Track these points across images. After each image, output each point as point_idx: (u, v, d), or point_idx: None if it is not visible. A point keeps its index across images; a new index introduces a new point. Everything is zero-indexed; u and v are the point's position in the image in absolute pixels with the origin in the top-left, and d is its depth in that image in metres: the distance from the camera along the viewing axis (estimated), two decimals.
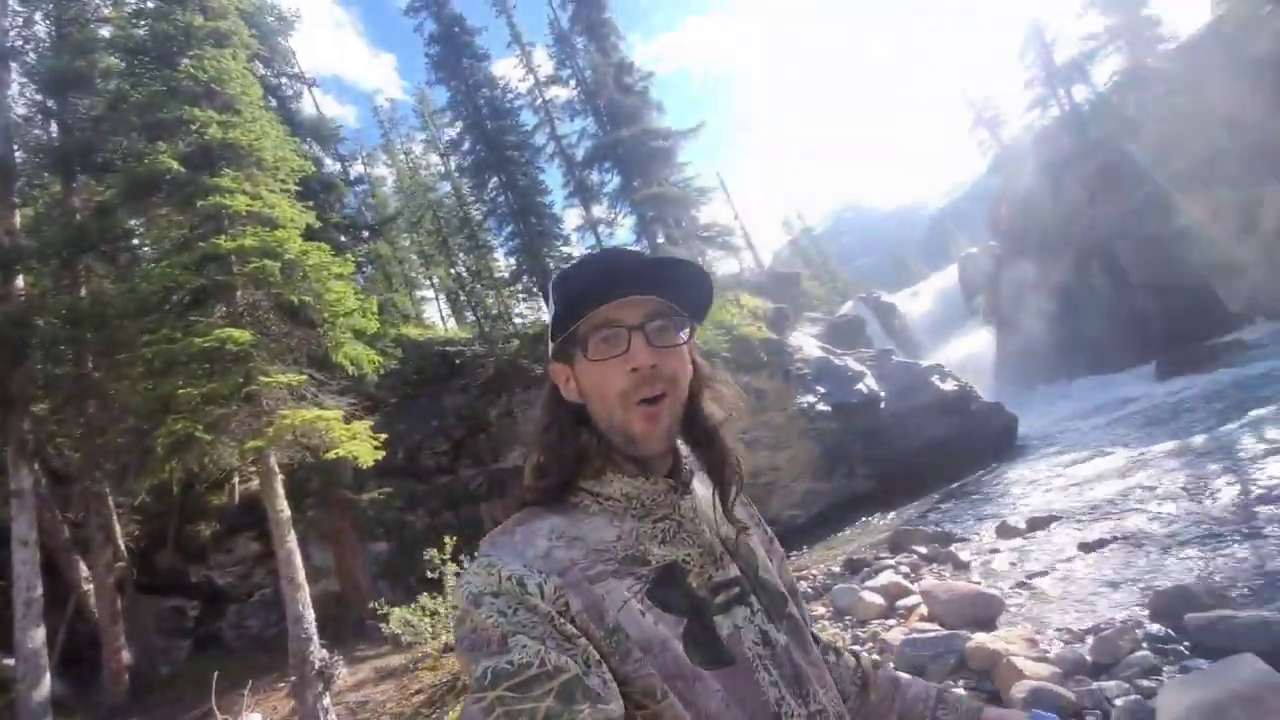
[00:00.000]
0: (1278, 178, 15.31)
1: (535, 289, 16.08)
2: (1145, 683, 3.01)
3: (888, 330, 25.81)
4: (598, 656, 0.62)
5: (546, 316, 0.90)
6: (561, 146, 16.92)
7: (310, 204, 7.61)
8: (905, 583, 5.79)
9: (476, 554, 0.71)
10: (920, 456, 13.44)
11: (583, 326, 0.74)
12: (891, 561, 6.88)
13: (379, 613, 6.69)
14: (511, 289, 17.17)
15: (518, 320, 17.67)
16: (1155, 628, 3.43)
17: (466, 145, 16.78)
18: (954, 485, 11.74)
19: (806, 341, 17.26)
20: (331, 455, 6.50)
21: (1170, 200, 17.37)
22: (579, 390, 0.77)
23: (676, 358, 0.75)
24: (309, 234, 7.25)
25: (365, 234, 14.33)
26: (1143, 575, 4.30)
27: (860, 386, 14.68)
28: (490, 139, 15.72)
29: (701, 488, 0.83)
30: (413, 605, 6.57)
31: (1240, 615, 3.08)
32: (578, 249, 16.57)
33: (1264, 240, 15.64)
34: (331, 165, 16.90)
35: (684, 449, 0.84)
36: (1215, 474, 6.03)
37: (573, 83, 16.53)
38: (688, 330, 0.77)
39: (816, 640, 0.85)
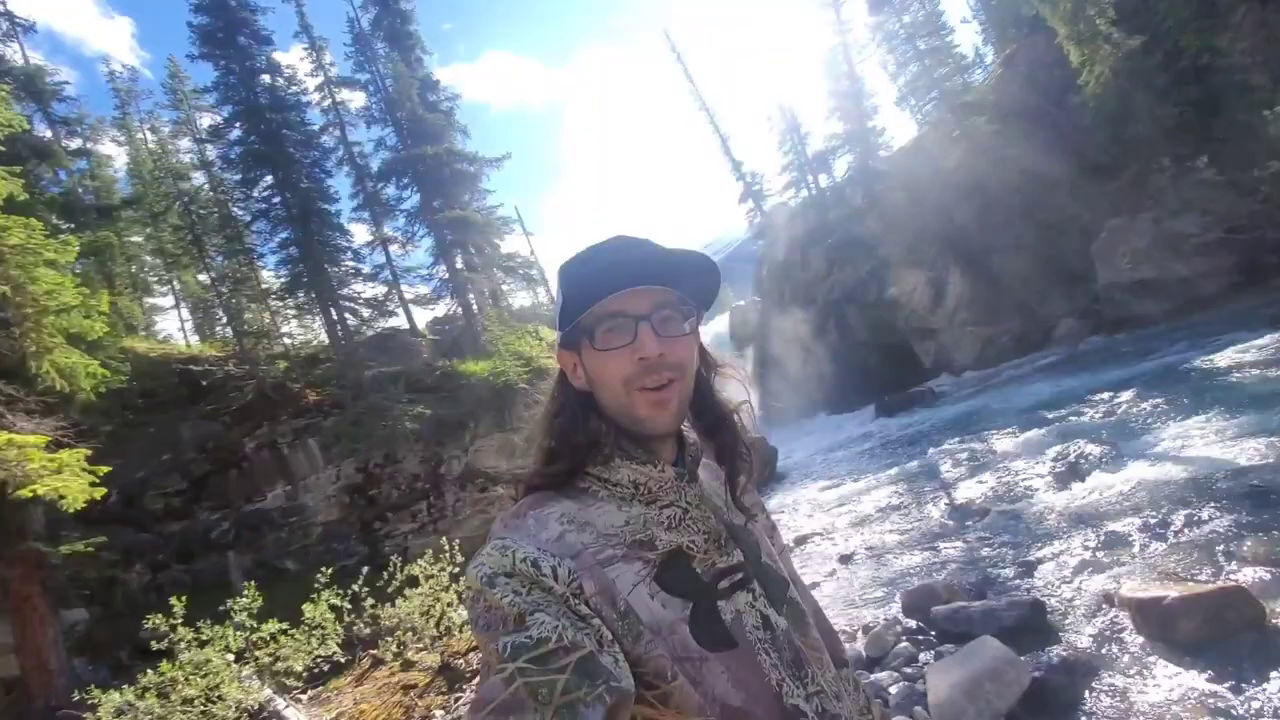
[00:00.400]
0: (957, 264, 20.08)
1: (314, 305, 14.30)
2: (909, 670, 3.59)
3: None
4: (610, 637, 0.64)
5: (553, 306, 0.87)
6: (353, 154, 15.52)
7: (16, 170, 5.94)
8: None
9: (490, 536, 0.72)
10: None
11: (590, 315, 0.75)
12: None
13: (84, 699, 5.11)
14: (283, 302, 15.02)
15: (286, 340, 15.52)
16: (910, 622, 4.13)
17: (236, 134, 14.45)
18: None
19: None
20: (24, 494, 5.00)
21: (887, 274, 21.64)
22: (586, 377, 0.79)
23: (683, 346, 0.77)
24: (9, 206, 5.66)
25: (85, 219, 11.52)
26: (893, 579, 5.16)
27: None
28: (268, 131, 13.74)
29: (707, 475, 0.85)
30: (137, 685, 5.13)
31: (972, 605, 3.86)
32: (367, 265, 15.21)
33: (947, 311, 20.26)
34: (43, 131, 13.42)
35: (691, 437, 0.86)
36: (930, 492, 7.54)
37: (371, 89, 15.38)
38: (694, 320, 0.79)
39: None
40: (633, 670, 0.63)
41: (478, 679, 0.69)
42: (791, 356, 24.87)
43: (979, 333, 19.73)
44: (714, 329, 30.88)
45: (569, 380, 0.82)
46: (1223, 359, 8.30)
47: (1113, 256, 16.23)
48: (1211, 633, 2.85)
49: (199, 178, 16.51)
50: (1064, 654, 3.15)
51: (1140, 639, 3.08)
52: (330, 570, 6.18)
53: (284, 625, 5.71)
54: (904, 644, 3.84)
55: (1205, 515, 4.04)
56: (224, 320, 15.99)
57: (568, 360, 0.81)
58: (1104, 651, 3.12)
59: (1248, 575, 3.21)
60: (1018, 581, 4.25)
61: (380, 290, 15.46)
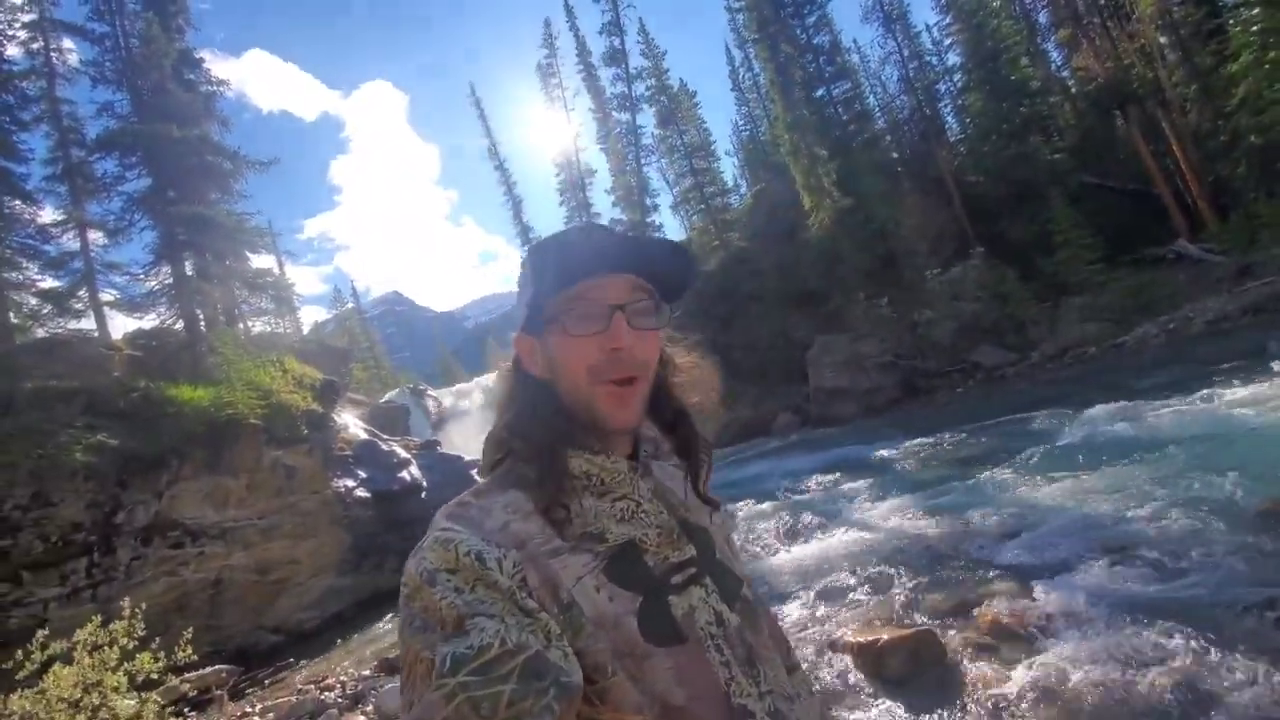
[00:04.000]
0: (708, 353, 22.69)
1: None
2: None
3: (431, 423, 26.22)
4: (558, 631, 0.61)
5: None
6: (59, 111, 12.29)
7: None
8: None
9: (430, 528, 0.68)
10: None
11: (562, 299, 0.73)
12: None
13: None
14: None
15: None
16: None
17: None
18: None
19: (353, 421, 16.08)
20: None
21: None
22: (547, 365, 0.77)
23: (652, 340, 0.76)
24: None
25: None
26: None
27: (404, 474, 14.32)
28: None
29: (660, 471, 0.84)
30: None
31: None
32: (53, 249, 11.80)
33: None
34: None
35: (648, 432, 0.86)
36: None
37: (109, 44, 12.51)
38: (665, 313, 0.78)
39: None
40: None
41: (400, 686, 0.58)
42: None
43: (718, 417, 22.35)
44: (480, 386, 30.15)
45: (523, 367, 0.80)
46: (893, 453, 10.56)
47: (819, 365, 19.90)
48: (912, 669, 3.49)
49: None
50: None
51: (860, 676, 3.64)
52: None
53: None
54: None
55: (898, 573, 5.00)
56: None
57: (525, 345, 0.79)
58: (830, 688, 3.61)
59: (931, 621, 4.02)
60: None
61: (65, 284, 12.09)
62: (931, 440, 10.57)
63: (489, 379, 30.62)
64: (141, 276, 12.83)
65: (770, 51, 22.02)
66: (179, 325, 12.73)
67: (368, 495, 13.07)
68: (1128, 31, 25.31)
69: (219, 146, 12.99)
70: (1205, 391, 7.74)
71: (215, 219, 12.55)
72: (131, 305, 12.95)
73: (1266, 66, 16.74)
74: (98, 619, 4.54)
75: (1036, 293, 19.08)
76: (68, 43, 12.47)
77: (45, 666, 4.36)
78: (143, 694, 4.49)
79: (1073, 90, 28.03)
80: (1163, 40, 22.87)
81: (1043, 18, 31.83)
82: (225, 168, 13.09)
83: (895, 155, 28.44)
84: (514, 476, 0.73)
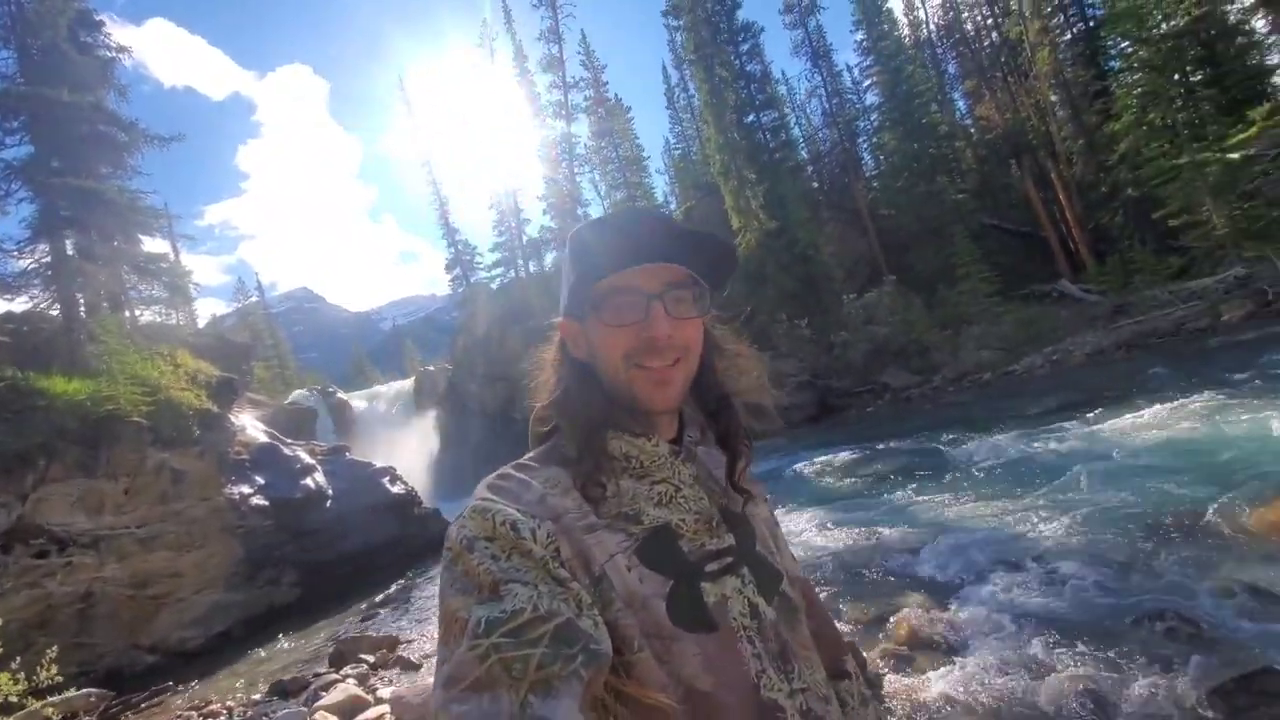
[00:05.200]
0: None
1: None
2: None
3: (340, 426, 24.81)
4: (589, 601, 0.63)
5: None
6: None
7: None
8: (364, 695, 5.34)
9: (473, 497, 0.70)
10: (359, 560, 12.94)
11: (603, 287, 0.74)
12: (338, 676, 6.24)
13: None
14: None
15: None
16: None
17: None
18: (391, 589, 11.64)
19: (252, 423, 14.95)
20: None
21: None
22: (587, 348, 0.79)
23: (693, 328, 0.77)
24: None
25: None
26: None
27: (308, 481, 13.41)
28: None
29: (707, 455, 0.84)
30: None
31: None
32: None
33: None
34: None
35: (698, 416, 0.87)
36: None
37: None
38: (706, 301, 0.79)
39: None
40: None
41: (438, 643, 0.59)
42: (477, 428, 24.54)
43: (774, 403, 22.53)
44: (396, 390, 28.88)
45: (568, 349, 0.82)
46: (810, 469, 10.94)
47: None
48: None
49: None
50: None
51: None
52: None
53: None
54: None
55: (817, 583, 5.14)
56: None
57: (570, 329, 0.81)
58: None
59: (852, 632, 4.15)
60: None
61: None
62: (845, 457, 11.04)
63: (406, 384, 29.35)
64: (15, 254, 11.33)
65: (706, 74, 22.64)
66: (55, 310, 11.40)
67: (266, 503, 12.14)
68: (1025, 87, 27.86)
69: (114, 116, 11.78)
70: (1090, 416, 8.52)
71: (105, 194, 11.35)
72: (1, 285, 11.42)
73: (1145, 127, 18.87)
74: None
75: (940, 320, 20.49)
76: None
77: None
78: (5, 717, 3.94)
79: (975, 137, 30.51)
80: (1054, 98, 25.34)
81: (952, 68, 34.56)
82: (120, 139, 11.88)
83: (816, 185, 29.90)
84: (557, 454, 0.76)
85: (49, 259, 11.10)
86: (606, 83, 29.07)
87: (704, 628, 0.67)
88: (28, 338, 10.37)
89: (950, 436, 9.99)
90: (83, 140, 11.28)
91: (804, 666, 0.73)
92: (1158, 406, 7.97)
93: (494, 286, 29.62)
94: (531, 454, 0.78)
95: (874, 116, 29.41)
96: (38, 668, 4.08)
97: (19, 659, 4.05)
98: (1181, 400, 7.98)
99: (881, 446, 10.99)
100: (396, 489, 15.03)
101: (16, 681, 3.94)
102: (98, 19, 12.01)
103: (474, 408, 25.26)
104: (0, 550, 7.79)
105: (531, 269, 28.49)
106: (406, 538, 14.13)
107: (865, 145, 31.46)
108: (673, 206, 36.13)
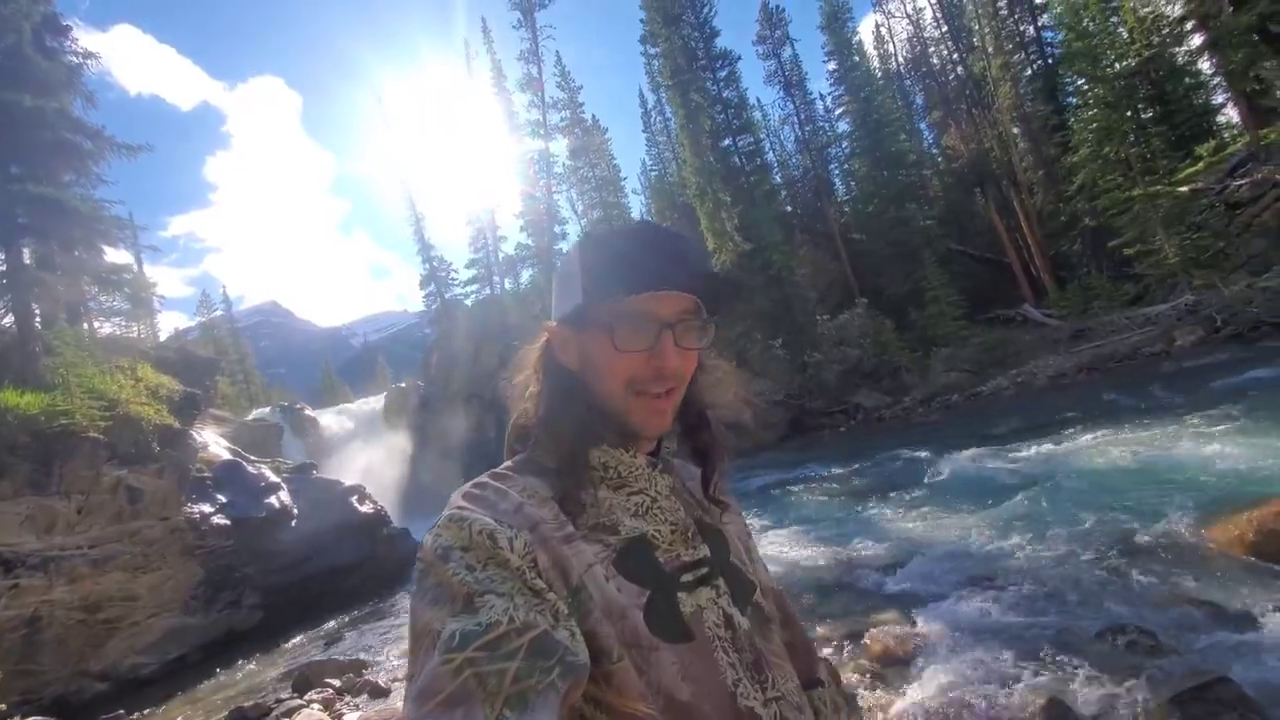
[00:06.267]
0: None
1: None
2: None
3: (307, 444, 24.22)
4: (566, 610, 0.62)
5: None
6: None
7: None
8: None
9: (447, 507, 0.68)
10: (325, 581, 12.58)
11: (619, 307, 0.72)
12: (302, 701, 6.04)
13: None
14: None
15: None
16: None
17: None
18: (357, 612, 11.33)
19: (215, 440, 14.54)
20: None
21: None
22: (580, 359, 0.76)
23: (693, 358, 0.77)
24: None
25: None
26: None
27: (272, 500, 13.04)
28: None
29: (684, 468, 0.86)
30: None
31: None
32: None
33: None
34: None
35: (676, 429, 0.86)
36: None
37: None
38: (710, 333, 0.77)
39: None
40: None
41: (409, 658, 0.58)
42: (449, 445, 24.17)
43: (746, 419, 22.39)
44: (366, 408, 28.36)
45: (555, 354, 0.79)
46: (784, 486, 11.02)
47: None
48: None
49: None
50: None
51: None
52: None
53: None
54: None
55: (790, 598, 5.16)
56: None
57: (562, 336, 0.78)
58: None
59: (827, 650, 4.17)
60: None
61: None
62: (818, 474, 11.15)
63: (377, 401, 28.82)
64: None
65: (682, 98, 23.04)
66: (8, 320, 11.00)
67: (227, 522, 11.76)
68: (988, 119, 28.97)
69: (79, 123, 11.53)
70: (1055, 436, 8.78)
71: (66, 203, 11.05)
72: None
73: (1100, 160, 19.74)
74: None
75: (909, 342, 20.95)
76: None
77: None
78: None
79: (941, 166, 31.55)
80: (1016, 130, 26.38)
81: (919, 99, 35.79)
82: (85, 147, 11.61)
83: (790, 208, 30.49)
84: (534, 463, 0.75)
85: (3, 268, 10.75)
86: (583, 104, 29.40)
87: (681, 638, 0.67)
88: None
89: (920, 456, 10.17)
90: (45, 147, 11.02)
91: (778, 675, 0.74)
92: (1115, 429, 8.28)
93: (469, 303, 29.41)
94: (508, 463, 0.77)
95: (845, 144, 30.22)
96: None
97: None
98: (1138, 422, 8.30)
99: (855, 465, 11.14)
100: (365, 508, 14.68)
101: None
102: (65, 24, 11.81)
103: (447, 425, 24.91)
104: None
105: (507, 286, 28.39)
106: (375, 558, 13.78)
107: (837, 171, 32.28)
108: None
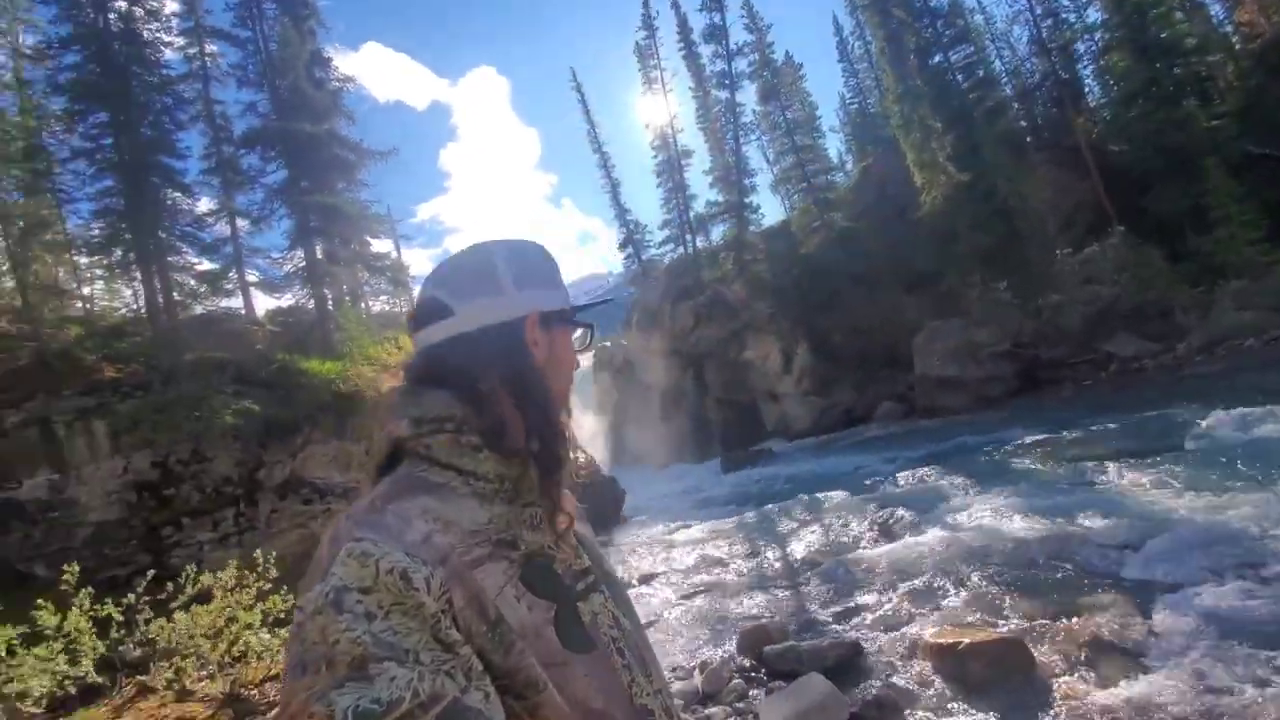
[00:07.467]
0: (807, 337, 22.04)
1: (132, 268, 12.30)
2: (740, 705, 3.75)
3: None
4: (480, 668, 0.57)
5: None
6: (213, 112, 13.92)
7: None
8: None
9: (336, 537, 0.59)
10: None
11: (583, 316, 0.82)
12: None
13: None
14: (92, 259, 12.74)
15: (85, 303, 13.19)
16: (744, 660, 4.33)
17: (73, 58, 12.16)
18: None
19: None
20: None
21: (746, 337, 23.21)
22: (546, 359, 0.76)
23: None
24: None
25: None
26: (730, 619, 5.40)
27: None
28: (113, 64, 11.83)
29: None
30: None
31: (801, 644, 4.14)
32: (208, 236, 13.48)
33: (793, 379, 22.08)
34: None
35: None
36: (768, 541, 8.05)
37: (251, 49, 13.97)
38: None
39: None
40: (505, 683, 0.58)
41: None
42: (650, 402, 25.61)
43: (817, 402, 21.64)
44: (582, 362, 31.01)
45: (526, 345, 0.75)
46: (1004, 449, 9.83)
47: (927, 353, 18.73)
48: (995, 676, 3.30)
49: (5, 98, 13.71)
50: (877, 691, 3.47)
51: (939, 679, 3.49)
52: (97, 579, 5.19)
53: (19, 633, 4.68)
54: (737, 680, 4.01)
55: (990, 575, 4.71)
56: (5, 267, 13.21)
57: (534, 329, 0.75)
58: (909, 688, 3.48)
59: (1021, 627, 3.77)
60: (840, 625, 4.64)
61: (218, 267, 13.80)
62: (1050, 437, 9.75)
63: (584, 358, 31.41)
64: (280, 260, 14.44)
65: (881, 17, 20.72)
66: (311, 304, 14.12)
67: None
68: None
69: (345, 140, 14.20)
70: None
71: (342, 207, 13.75)
72: (271, 286, 14.58)
73: None
74: (233, 564, 5.22)
75: (1186, 276, 16.88)
76: (212, 47, 14.02)
77: (195, 599, 5.10)
78: (275, 630, 5.11)
79: (1236, 48, 24.21)
80: None
81: None
82: (350, 160, 14.28)
83: (1024, 124, 25.97)
84: (420, 481, 0.67)
85: (304, 263, 13.72)
86: (772, 43, 27.87)
87: (586, 648, 0.67)
88: (292, 328, 12.98)
89: (1185, 415, 8.35)
90: (323, 163, 13.73)
91: (654, 669, 0.76)
92: None
93: (664, 263, 30.30)
94: (384, 486, 0.67)
95: (1097, 36, 24.67)
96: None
97: (286, 586, 5.15)
98: None
99: (1097, 426, 9.52)
100: (576, 457, 16.30)
101: (287, 601, 5.03)
102: (326, 56, 14.48)
103: (649, 380, 26.31)
104: (278, 497, 9.95)
105: (699, 244, 28.62)
106: (586, 503, 15.28)
107: (1086, 72, 26.59)
108: (849, 167, 33.88)
